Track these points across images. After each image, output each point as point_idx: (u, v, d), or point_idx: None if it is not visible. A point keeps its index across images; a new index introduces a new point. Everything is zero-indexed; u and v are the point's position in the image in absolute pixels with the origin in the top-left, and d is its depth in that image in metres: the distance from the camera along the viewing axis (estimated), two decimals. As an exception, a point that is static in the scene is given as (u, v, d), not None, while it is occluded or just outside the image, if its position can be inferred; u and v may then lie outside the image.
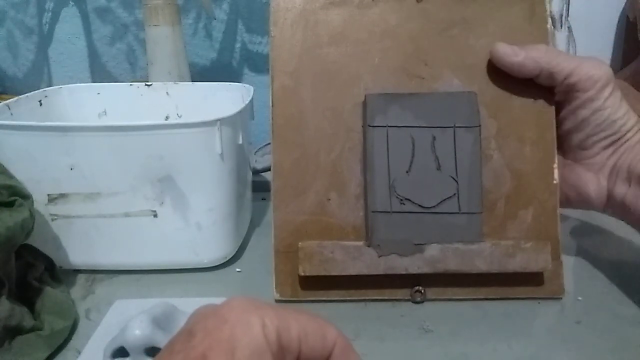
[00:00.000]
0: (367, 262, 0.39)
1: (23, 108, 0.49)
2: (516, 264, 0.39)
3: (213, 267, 0.45)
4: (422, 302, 0.41)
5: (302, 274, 0.39)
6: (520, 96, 0.41)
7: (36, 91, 0.52)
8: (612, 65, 0.68)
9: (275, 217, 0.41)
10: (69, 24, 0.78)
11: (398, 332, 0.37)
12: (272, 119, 0.41)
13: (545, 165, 0.41)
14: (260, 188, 0.63)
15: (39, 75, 0.81)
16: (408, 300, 0.41)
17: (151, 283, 0.44)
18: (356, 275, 0.39)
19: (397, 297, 0.41)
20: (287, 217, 0.41)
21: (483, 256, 0.39)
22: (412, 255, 0.39)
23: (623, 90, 0.61)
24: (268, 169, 0.65)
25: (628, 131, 0.39)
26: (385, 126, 0.40)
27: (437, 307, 0.40)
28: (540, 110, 0.41)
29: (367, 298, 0.41)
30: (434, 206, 0.39)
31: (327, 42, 0.42)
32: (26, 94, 0.51)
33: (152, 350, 0.31)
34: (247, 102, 0.46)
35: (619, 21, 0.66)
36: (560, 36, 0.60)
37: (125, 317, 0.33)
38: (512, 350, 0.35)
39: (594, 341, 0.36)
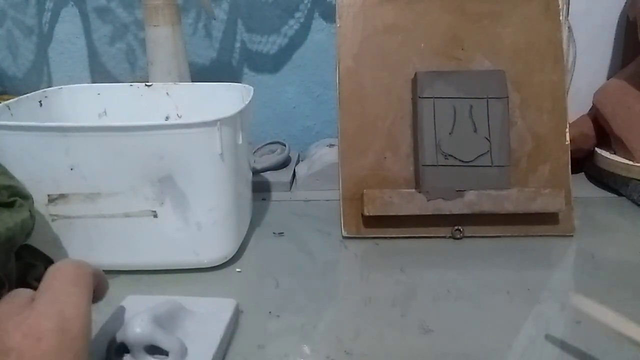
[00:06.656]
0: (418, 205, 0.48)
1: (23, 108, 0.49)
2: (537, 206, 0.48)
3: (213, 267, 0.45)
4: (461, 238, 0.50)
5: (367, 214, 0.48)
6: (538, 75, 0.50)
7: (36, 91, 0.52)
8: (612, 65, 0.68)
9: (342, 172, 0.50)
10: (68, 24, 0.78)
11: (398, 332, 0.37)
12: (339, 93, 0.50)
13: (559, 129, 0.50)
14: (260, 188, 0.63)
15: (39, 75, 0.81)
16: (450, 237, 0.50)
17: (151, 283, 0.44)
18: (408, 216, 0.48)
19: (441, 235, 0.50)
20: (352, 172, 0.50)
21: (511, 200, 0.48)
22: (454, 199, 0.48)
23: (623, 90, 0.61)
24: (268, 169, 0.66)
25: None
26: (432, 97, 0.49)
27: (433, 306, 0.40)
28: (555, 86, 0.50)
29: (416, 235, 0.49)
30: (471, 160, 0.48)
31: (382, 31, 0.51)
32: (26, 94, 0.51)
33: (152, 348, 0.32)
34: (247, 102, 0.46)
35: (619, 21, 0.66)
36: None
37: (131, 313, 0.34)
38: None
39: (594, 341, 0.36)
